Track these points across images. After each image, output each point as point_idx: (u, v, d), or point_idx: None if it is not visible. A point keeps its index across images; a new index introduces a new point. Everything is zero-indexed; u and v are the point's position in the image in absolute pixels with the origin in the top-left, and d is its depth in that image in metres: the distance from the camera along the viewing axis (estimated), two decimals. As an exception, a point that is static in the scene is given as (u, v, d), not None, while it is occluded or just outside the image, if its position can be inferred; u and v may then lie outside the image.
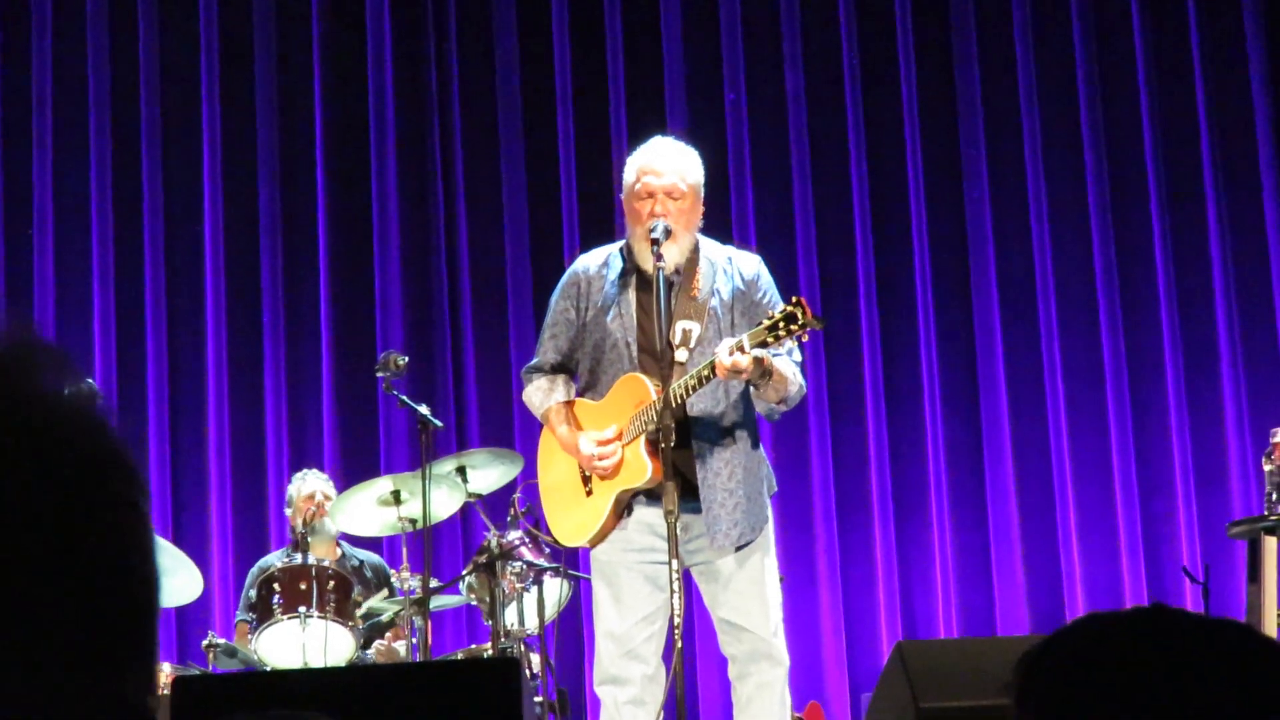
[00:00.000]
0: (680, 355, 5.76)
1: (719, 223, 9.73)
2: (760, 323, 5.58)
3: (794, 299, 5.53)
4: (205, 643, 7.94)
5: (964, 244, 9.95)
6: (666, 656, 5.77)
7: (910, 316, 9.91)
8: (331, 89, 10.23)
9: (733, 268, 5.95)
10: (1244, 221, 9.83)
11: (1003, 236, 9.93)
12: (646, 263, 5.80)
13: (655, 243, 5.71)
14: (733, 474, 5.78)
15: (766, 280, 5.97)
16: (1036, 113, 9.97)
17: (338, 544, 8.71)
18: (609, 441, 5.84)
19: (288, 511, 8.77)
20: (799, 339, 5.55)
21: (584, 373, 6.02)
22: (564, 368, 6.09)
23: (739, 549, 5.79)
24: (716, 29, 10.14)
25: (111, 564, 1.16)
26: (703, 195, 5.96)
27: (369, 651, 8.09)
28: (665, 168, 5.88)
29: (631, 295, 5.89)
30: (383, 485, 7.82)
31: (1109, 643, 1.67)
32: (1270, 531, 7.51)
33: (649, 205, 5.83)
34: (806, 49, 10.12)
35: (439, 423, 7.78)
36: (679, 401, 5.64)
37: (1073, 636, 1.71)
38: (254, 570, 8.49)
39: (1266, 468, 7.53)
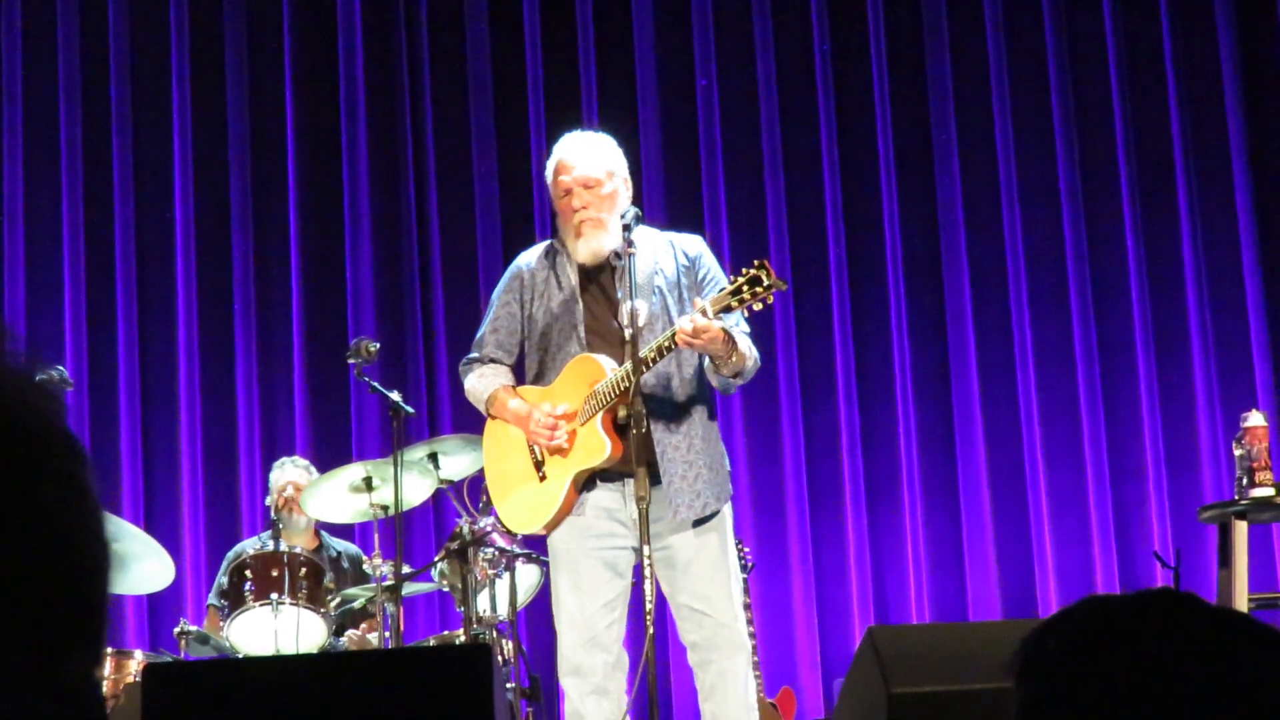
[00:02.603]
0: (629, 334, 5.77)
1: (691, 209, 9.78)
2: (722, 289, 5.59)
3: (756, 261, 5.51)
4: (177, 630, 7.92)
5: (935, 230, 9.96)
6: (629, 643, 5.77)
7: (882, 302, 9.92)
8: (302, 76, 10.21)
9: (674, 249, 5.98)
10: (1214, 207, 9.85)
11: (974, 222, 9.94)
12: (580, 257, 5.85)
13: (627, 229, 5.74)
14: (691, 445, 5.78)
15: (710, 259, 6.01)
16: (1007, 98, 9.98)
17: (317, 534, 8.70)
18: (560, 418, 5.83)
19: (267, 501, 8.76)
20: (764, 301, 5.52)
21: (532, 364, 6.01)
22: (503, 363, 6.09)
23: (699, 523, 5.78)
24: (688, 14, 10.13)
25: (47, 541, 1.08)
26: (628, 177, 6.00)
27: (341, 639, 8.08)
28: (575, 160, 5.95)
29: (574, 280, 5.92)
30: (354, 472, 7.81)
31: (1114, 624, 1.66)
32: (1241, 516, 7.53)
33: (569, 201, 5.89)
34: (778, 35, 10.12)
35: (410, 409, 7.77)
36: (635, 379, 5.64)
37: (1077, 617, 1.69)
38: (229, 555, 8.47)
39: (1237, 452, 7.55)
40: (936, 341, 9.90)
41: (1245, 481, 7.49)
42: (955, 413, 9.82)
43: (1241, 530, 7.51)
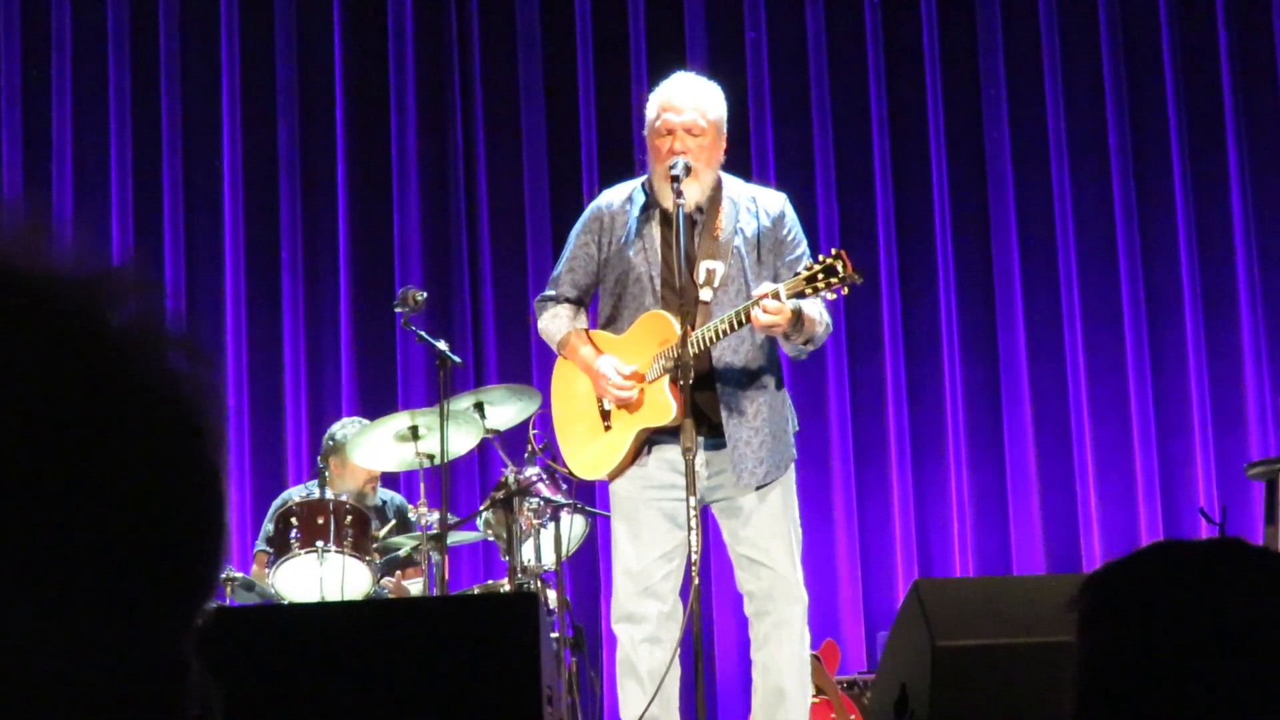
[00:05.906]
0: (705, 295, 5.74)
1: (739, 162, 9.68)
2: (797, 272, 5.58)
3: (834, 250, 5.51)
4: (223, 576, 7.95)
5: (983, 185, 9.93)
6: (684, 594, 5.77)
7: (929, 257, 9.90)
8: (351, 25, 10.20)
9: (757, 206, 5.92)
10: (1264, 162, 9.80)
11: (1022, 177, 9.90)
12: (667, 200, 5.78)
13: (675, 180, 5.69)
14: (758, 412, 5.77)
15: (792, 218, 5.94)
16: (1057, 53, 9.93)
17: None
18: (630, 376, 5.82)
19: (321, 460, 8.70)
20: (838, 291, 5.52)
21: (605, 307, 5.99)
22: (579, 302, 6.08)
23: (761, 487, 5.78)
24: (737, -34, 10.10)
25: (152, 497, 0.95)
26: (725, 132, 5.93)
27: (383, 588, 8.11)
28: (685, 104, 5.86)
29: (655, 230, 5.86)
30: (401, 421, 7.81)
31: (1188, 571, 1.65)
32: (1288, 472, 7.50)
33: (669, 142, 5.80)
34: (827, -13, 10.09)
35: (457, 359, 7.76)
36: (705, 346, 5.64)
37: (1147, 562, 1.68)
38: (275, 503, 8.47)
39: (1285, 409, 7.53)
40: (983, 297, 9.87)
41: (1293, 438, 7.46)
42: (1001, 368, 9.80)
43: (1289, 487, 7.48)
